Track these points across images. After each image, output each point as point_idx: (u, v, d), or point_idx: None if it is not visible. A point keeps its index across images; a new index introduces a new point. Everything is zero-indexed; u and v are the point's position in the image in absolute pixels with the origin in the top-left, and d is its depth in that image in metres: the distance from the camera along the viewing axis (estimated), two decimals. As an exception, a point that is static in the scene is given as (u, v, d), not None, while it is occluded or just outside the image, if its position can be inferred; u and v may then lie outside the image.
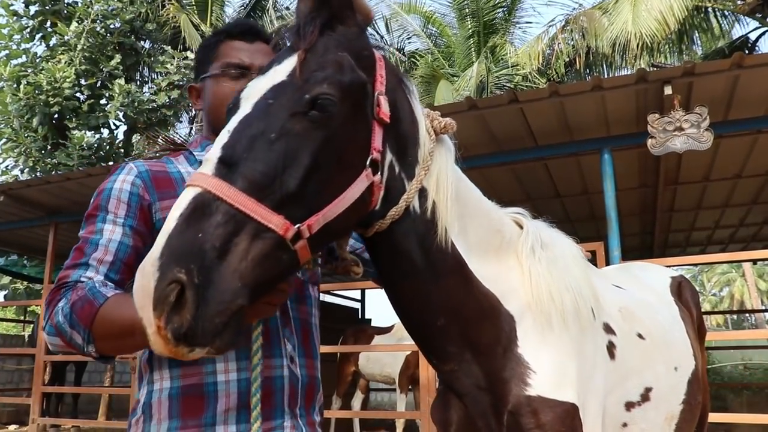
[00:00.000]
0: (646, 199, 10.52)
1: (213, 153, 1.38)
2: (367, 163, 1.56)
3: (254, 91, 1.51)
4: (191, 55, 15.46)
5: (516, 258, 2.01)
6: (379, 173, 1.59)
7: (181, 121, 19.60)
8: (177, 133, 17.60)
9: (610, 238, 7.08)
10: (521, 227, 2.09)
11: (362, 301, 16.31)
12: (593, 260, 6.18)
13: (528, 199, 10.02)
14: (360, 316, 16.09)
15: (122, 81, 13.84)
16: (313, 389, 1.95)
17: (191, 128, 22.18)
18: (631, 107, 7.08)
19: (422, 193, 1.73)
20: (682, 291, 3.22)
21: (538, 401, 1.83)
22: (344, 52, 1.57)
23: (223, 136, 1.42)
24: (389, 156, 1.65)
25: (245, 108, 1.47)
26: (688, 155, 7.32)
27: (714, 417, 7.65)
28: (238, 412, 1.73)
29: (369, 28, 1.75)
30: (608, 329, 2.22)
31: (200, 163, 1.84)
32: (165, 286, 1.19)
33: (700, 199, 10.77)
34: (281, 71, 1.52)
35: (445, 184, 1.76)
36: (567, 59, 19.02)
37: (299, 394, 1.87)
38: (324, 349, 8.88)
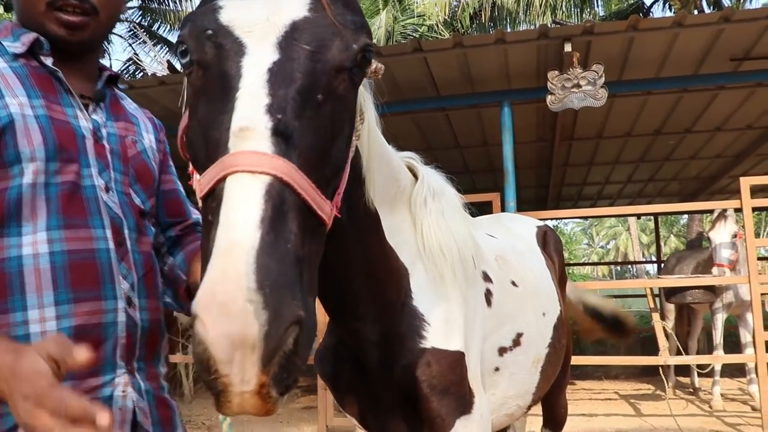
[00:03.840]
0: (543, 153, 10.85)
1: (258, 118, 1.00)
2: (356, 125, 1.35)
3: (265, 26, 1.10)
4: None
5: (407, 208, 1.95)
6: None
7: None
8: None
9: (506, 190, 7.26)
10: (414, 174, 2.04)
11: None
12: (489, 211, 6.33)
13: (428, 148, 10.08)
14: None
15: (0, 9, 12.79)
16: (156, 336, 1.59)
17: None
18: (532, 62, 7.20)
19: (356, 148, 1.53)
20: (547, 240, 3.33)
21: (431, 353, 1.84)
22: None
23: (258, 92, 1.03)
24: None
25: (265, 50, 1.08)
26: (583, 112, 7.56)
27: (593, 360, 8.14)
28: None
29: None
30: (486, 277, 2.25)
31: (14, 57, 1.49)
32: (283, 332, 0.86)
33: (592, 155, 11.21)
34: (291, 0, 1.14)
35: (375, 137, 1.62)
36: (472, 12, 19.11)
37: (137, 343, 1.51)
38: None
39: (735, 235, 7.45)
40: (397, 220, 1.90)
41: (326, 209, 1.08)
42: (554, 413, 3.44)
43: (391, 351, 1.86)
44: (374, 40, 7.40)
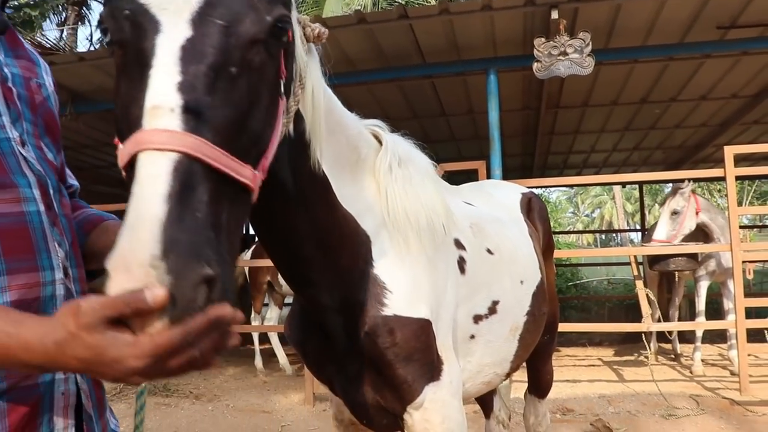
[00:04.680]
0: (529, 121, 10.83)
1: (168, 96, 1.04)
2: (282, 89, 1.34)
3: (179, 3, 1.11)
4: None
5: (372, 175, 1.96)
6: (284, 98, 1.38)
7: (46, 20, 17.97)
8: (44, 36, 16.22)
9: (492, 158, 7.26)
10: (379, 141, 2.04)
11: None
12: (475, 178, 6.33)
13: (414, 116, 10.06)
14: (244, 232, 15.91)
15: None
16: None
17: (62, 30, 20.57)
18: (519, 29, 7.14)
19: (297, 113, 1.53)
20: (532, 207, 3.32)
21: (393, 320, 1.85)
22: None
23: (170, 70, 1.06)
24: None
25: (179, 27, 1.09)
26: (569, 80, 7.54)
27: (577, 327, 8.25)
28: None
29: None
30: (459, 245, 2.25)
31: None
32: (191, 290, 0.92)
33: (578, 123, 11.20)
34: None
35: (319, 102, 1.61)
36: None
37: None
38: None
39: (675, 212, 7.63)
40: (358, 188, 1.90)
41: (246, 173, 1.11)
42: (540, 379, 3.47)
43: (352, 319, 1.87)
44: (360, 7, 7.29)
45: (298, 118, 1.55)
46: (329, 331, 1.93)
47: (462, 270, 2.21)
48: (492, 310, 2.38)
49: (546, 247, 3.29)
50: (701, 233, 7.90)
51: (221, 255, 0.99)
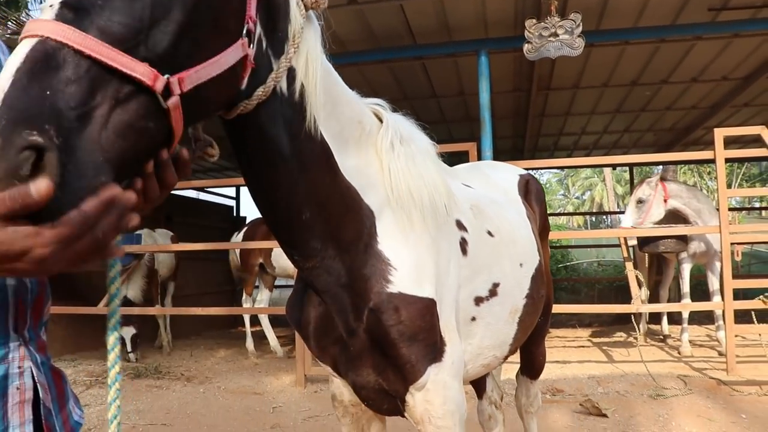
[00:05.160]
0: (520, 103, 10.82)
1: None
2: (243, 32, 1.35)
3: None
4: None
5: (375, 152, 1.94)
6: (252, 46, 1.39)
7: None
8: (30, 16, 15.99)
9: (483, 140, 7.26)
10: (380, 120, 2.02)
11: (237, 198, 16.08)
12: (466, 160, 6.32)
13: (405, 98, 10.02)
14: (235, 214, 15.90)
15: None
16: (43, 299, 1.37)
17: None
18: (510, 10, 7.12)
19: (290, 73, 1.58)
20: (529, 189, 3.29)
21: (398, 298, 1.84)
22: None
23: None
24: (259, 29, 1.45)
25: None
26: (560, 62, 7.53)
27: (568, 308, 8.29)
28: None
29: None
30: (461, 226, 2.24)
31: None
32: (15, 155, 0.92)
33: (569, 105, 11.21)
34: None
35: (314, 65, 1.63)
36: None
37: (28, 309, 1.30)
38: (198, 246, 8.40)
39: (641, 201, 7.86)
40: (362, 163, 1.89)
41: (138, 69, 1.10)
42: (533, 361, 3.47)
43: (356, 293, 1.85)
44: (350, -13, 6.90)
45: (291, 78, 1.59)
46: (331, 307, 1.92)
47: (464, 251, 2.20)
48: (492, 292, 2.37)
49: (542, 228, 3.29)
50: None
51: (71, 135, 1.00)
